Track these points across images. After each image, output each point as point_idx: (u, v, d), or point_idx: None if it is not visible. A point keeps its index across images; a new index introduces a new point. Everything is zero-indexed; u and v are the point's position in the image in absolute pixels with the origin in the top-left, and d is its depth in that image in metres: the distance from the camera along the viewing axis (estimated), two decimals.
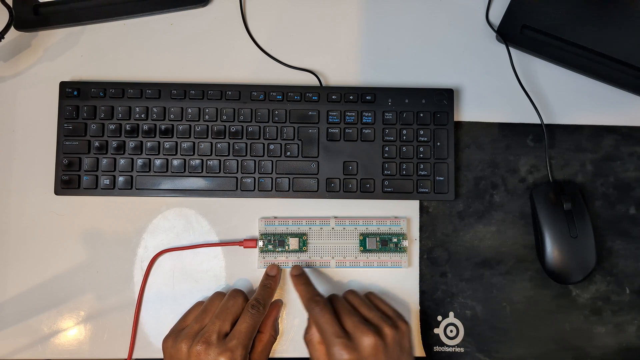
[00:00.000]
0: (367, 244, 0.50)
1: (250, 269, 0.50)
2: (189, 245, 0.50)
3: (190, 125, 0.50)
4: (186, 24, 0.54)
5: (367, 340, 0.40)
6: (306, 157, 0.50)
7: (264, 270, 0.49)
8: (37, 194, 0.51)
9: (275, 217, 0.50)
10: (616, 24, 0.52)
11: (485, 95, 0.53)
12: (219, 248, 0.50)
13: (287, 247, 0.49)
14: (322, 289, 0.50)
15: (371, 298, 0.48)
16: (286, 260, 0.49)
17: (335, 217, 0.50)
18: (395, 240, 0.50)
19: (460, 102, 0.53)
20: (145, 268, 0.50)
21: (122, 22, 0.53)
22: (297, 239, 0.49)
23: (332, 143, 0.50)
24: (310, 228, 0.50)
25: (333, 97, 0.51)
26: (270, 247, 0.49)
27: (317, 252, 0.50)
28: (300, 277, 0.47)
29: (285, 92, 0.51)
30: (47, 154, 0.51)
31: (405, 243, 0.50)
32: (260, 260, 0.49)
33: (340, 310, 0.44)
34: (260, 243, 0.49)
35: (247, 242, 0.50)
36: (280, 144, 0.50)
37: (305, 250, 0.50)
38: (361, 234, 0.50)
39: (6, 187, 0.51)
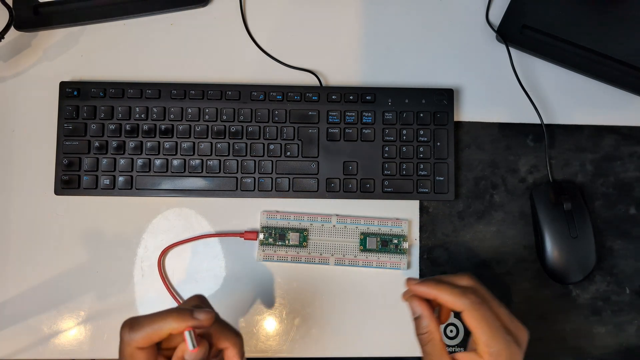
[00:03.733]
0: (367, 243, 0.50)
1: (248, 261, 0.50)
2: (192, 237, 0.50)
3: (190, 125, 0.50)
4: (186, 24, 0.54)
5: (523, 335, 0.39)
6: (306, 157, 0.50)
7: (263, 263, 0.49)
8: (37, 194, 0.51)
9: (277, 211, 0.50)
10: (616, 24, 0.52)
11: (485, 95, 0.53)
12: (218, 245, 0.50)
13: (287, 242, 0.49)
14: (321, 286, 0.50)
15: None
16: (285, 255, 0.50)
17: (337, 215, 0.50)
18: (395, 241, 0.50)
19: (460, 102, 0.53)
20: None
21: (122, 22, 0.53)
22: (298, 234, 0.50)
23: (332, 143, 0.50)
24: (311, 224, 0.50)
25: (333, 97, 0.51)
26: (270, 240, 0.49)
27: (316, 249, 0.50)
28: (427, 282, 0.40)
29: (285, 92, 0.51)
30: (47, 154, 0.51)
31: (405, 245, 0.50)
32: (260, 253, 0.49)
33: (490, 302, 0.39)
34: (261, 236, 0.49)
35: (248, 234, 0.50)
36: (280, 144, 0.50)
37: (305, 246, 0.50)
38: (362, 233, 0.50)
39: (6, 187, 0.51)
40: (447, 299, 0.38)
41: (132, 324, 0.33)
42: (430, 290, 0.39)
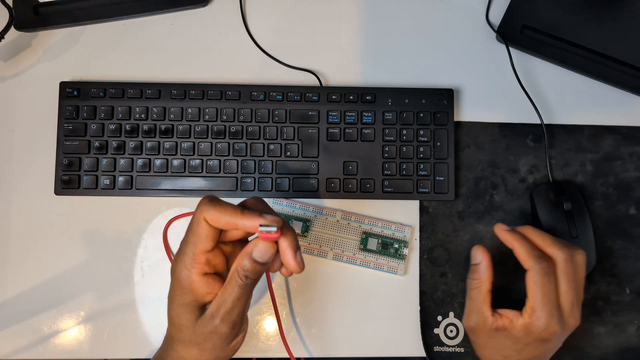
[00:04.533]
0: (367, 243, 0.50)
1: None
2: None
3: (190, 125, 0.50)
4: (186, 24, 0.54)
5: (572, 321, 0.42)
6: (306, 157, 0.50)
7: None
8: (37, 194, 0.51)
9: (284, 197, 0.50)
10: (616, 24, 0.52)
11: (485, 95, 0.53)
12: None
13: None
14: (321, 286, 0.50)
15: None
16: None
17: (343, 211, 0.50)
18: (396, 246, 0.50)
19: (460, 102, 0.53)
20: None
21: (122, 22, 0.53)
22: (301, 223, 0.50)
23: (332, 143, 0.50)
24: (315, 216, 0.50)
25: (333, 97, 0.51)
26: None
27: (316, 240, 0.50)
28: (514, 233, 0.43)
29: (285, 92, 0.51)
30: (47, 154, 0.51)
31: (405, 251, 0.50)
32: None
33: (562, 280, 0.41)
34: None
35: None
36: (280, 144, 0.50)
37: (306, 236, 0.50)
38: (364, 233, 0.50)
39: (6, 187, 0.51)
40: (521, 254, 0.42)
41: (213, 200, 0.35)
42: (511, 242, 0.43)
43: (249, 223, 0.34)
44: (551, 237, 0.43)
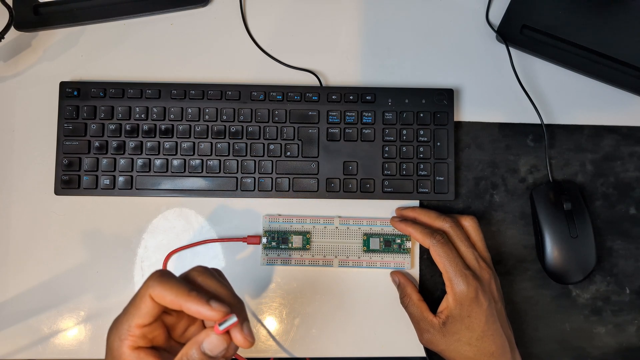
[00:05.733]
0: (370, 244, 0.50)
1: (253, 266, 0.50)
2: (197, 241, 0.50)
3: (190, 125, 0.50)
4: (186, 24, 0.54)
5: (486, 274, 0.44)
6: (306, 157, 0.50)
7: (267, 267, 0.49)
8: (37, 194, 0.51)
9: (279, 215, 0.50)
10: (616, 24, 0.52)
11: (485, 95, 0.53)
12: (219, 247, 0.50)
13: (290, 245, 0.49)
14: (321, 286, 0.50)
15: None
16: (289, 258, 0.49)
17: (339, 217, 0.50)
18: (398, 241, 0.50)
19: (460, 102, 0.53)
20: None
21: (122, 22, 0.53)
22: (301, 237, 0.50)
23: (332, 143, 0.50)
24: (314, 227, 0.50)
25: (333, 97, 0.51)
26: (273, 244, 0.49)
27: (320, 251, 0.50)
28: (405, 221, 0.48)
29: (285, 92, 0.51)
30: (47, 154, 0.51)
31: (408, 244, 0.50)
32: (264, 257, 0.49)
33: (458, 244, 0.45)
34: (264, 240, 0.49)
35: (251, 239, 0.50)
36: (280, 144, 0.50)
37: (309, 249, 0.50)
38: (365, 234, 0.50)
39: (6, 187, 0.51)
40: (417, 237, 0.46)
41: (162, 278, 0.33)
42: (406, 229, 0.47)
43: (194, 308, 0.31)
44: (435, 212, 0.47)
